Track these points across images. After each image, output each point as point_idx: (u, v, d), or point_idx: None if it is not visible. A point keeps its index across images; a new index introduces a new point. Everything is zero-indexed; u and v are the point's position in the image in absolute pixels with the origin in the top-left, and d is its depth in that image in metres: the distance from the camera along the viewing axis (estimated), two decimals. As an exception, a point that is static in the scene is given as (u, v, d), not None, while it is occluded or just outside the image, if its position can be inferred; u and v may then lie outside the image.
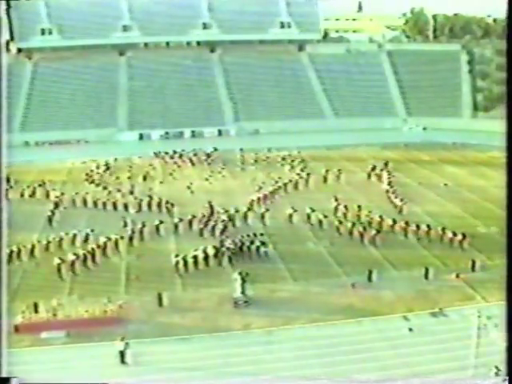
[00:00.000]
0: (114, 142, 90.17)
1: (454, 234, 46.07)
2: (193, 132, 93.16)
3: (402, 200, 55.78)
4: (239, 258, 44.22)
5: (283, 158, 74.04)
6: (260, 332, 34.65)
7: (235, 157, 74.85)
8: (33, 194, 62.15)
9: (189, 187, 63.38)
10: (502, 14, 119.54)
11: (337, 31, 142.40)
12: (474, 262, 41.38)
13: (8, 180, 66.47)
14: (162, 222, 51.06)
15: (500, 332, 30.84)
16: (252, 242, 45.61)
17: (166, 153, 76.99)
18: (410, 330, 34.17)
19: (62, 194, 60.64)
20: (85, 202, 58.10)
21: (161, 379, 30.26)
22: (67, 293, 39.79)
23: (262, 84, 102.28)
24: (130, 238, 48.59)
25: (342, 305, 37.33)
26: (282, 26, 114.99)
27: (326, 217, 52.12)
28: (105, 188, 62.84)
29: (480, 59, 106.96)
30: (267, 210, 54.08)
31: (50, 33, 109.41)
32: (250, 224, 51.79)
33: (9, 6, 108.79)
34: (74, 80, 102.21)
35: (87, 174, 68.40)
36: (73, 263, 43.56)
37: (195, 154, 76.46)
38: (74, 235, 47.93)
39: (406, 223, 48.75)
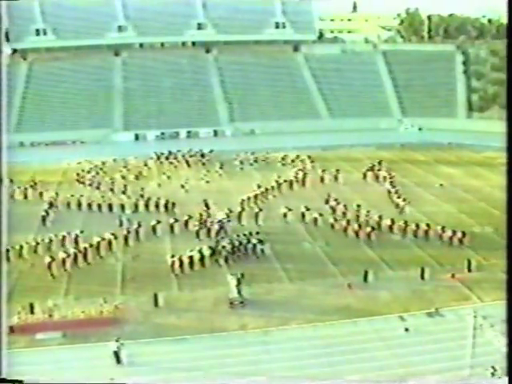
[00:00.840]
0: (110, 142, 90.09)
1: (454, 233, 46.30)
2: (188, 132, 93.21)
3: (404, 200, 55.97)
4: (235, 258, 44.28)
5: (280, 159, 74.06)
6: (256, 332, 34.65)
7: (231, 157, 74.73)
8: (27, 195, 62.14)
9: (183, 187, 63.62)
10: (496, 14, 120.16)
11: (332, 31, 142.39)
12: (469, 262, 41.46)
13: (0, 181, 66.52)
14: (159, 222, 51.11)
15: (496, 332, 31.00)
16: (248, 241, 45.72)
17: (162, 153, 76.93)
18: (407, 330, 34.21)
19: (57, 194, 60.71)
20: (79, 204, 57.87)
21: (157, 380, 30.26)
22: (63, 294, 39.78)
23: (258, 84, 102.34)
24: (126, 238, 48.63)
25: (338, 305, 37.36)
26: (277, 26, 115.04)
27: (321, 215, 52.33)
28: (98, 188, 63.08)
29: (475, 59, 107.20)
30: (260, 209, 54.10)
31: (45, 33, 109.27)
32: (244, 224, 51.77)
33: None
34: (69, 80, 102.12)
35: (78, 175, 68.53)
36: (64, 261, 43.76)
37: (191, 155, 76.42)
38: (63, 237, 47.77)
39: (405, 223, 48.89)
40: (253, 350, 32.70)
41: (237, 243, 45.41)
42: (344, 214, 52.51)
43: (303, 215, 53.28)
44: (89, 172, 69.49)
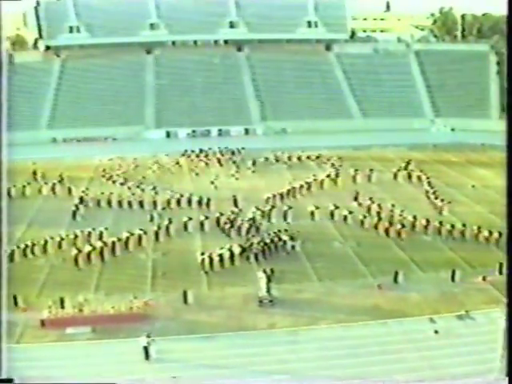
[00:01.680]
0: (142, 139, 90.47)
1: (490, 233, 46.02)
2: (220, 130, 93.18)
3: (442, 200, 55.67)
4: (265, 256, 44.30)
5: (312, 158, 73.92)
6: (285, 331, 34.64)
7: (262, 156, 74.68)
8: (55, 191, 62.83)
9: (213, 183, 64.00)
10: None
11: (364, 31, 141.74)
12: (501, 265, 41.02)
13: (35, 176, 67.60)
14: (190, 219, 51.32)
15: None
16: (279, 239, 45.77)
17: (193, 151, 77.13)
18: (436, 332, 33.96)
19: (87, 189, 61.45)
20: (110, 200, 58.12)
21: (185, 377, 30.33)
22: (93, 289, 40.10)
23: (289, 83, 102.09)
24: (156, 234, 48.93)
25: (367, 306, 37.20)
26: (310, 25, 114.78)
27: (351, 213, 52.35)
28: (128, 185, 63.44)
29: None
30: (290, 207, 54.08)
31: (78, 30, 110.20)
32: (273, 222, 51.78)
33: (37, 4, 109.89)
34: (101, 78, 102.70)
35: (104, 170, 69.34)
36: (89, 255, 44.39)
37: (222, 153, 76.53)
38: (89, 233, 48.18)
39: (440, 223, 48.67)
40: (281, 349, 32.67)
41: (268, 241, 45.45)
42: (378, 213, 52.24)
43: (332, 213, 53.23)
44: (119, 169, 70.00)
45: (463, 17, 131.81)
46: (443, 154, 78.08)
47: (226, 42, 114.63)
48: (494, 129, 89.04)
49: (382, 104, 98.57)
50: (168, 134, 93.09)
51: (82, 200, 57.86)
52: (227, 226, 49.76)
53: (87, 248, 45.23)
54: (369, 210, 53.52)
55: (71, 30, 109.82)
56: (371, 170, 66.42)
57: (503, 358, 27.17)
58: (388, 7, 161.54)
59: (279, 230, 47.77)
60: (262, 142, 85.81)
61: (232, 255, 43.33)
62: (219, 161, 73.89)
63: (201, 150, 77.41)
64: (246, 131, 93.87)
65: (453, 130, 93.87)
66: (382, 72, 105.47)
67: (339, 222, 52.49)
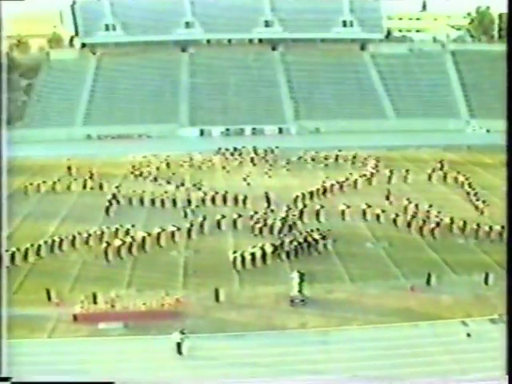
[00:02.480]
0: (175, 137, 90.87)
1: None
2: (253, 129, 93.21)
3: (484, 202, 55.28)
4: (297, 255, 44.29)
5: (346, 158, 73.67)
6: (316, 331, 34.57)
7: (295, 155, 74.57)
8: (86, 187, 63.64)
9: (245, 180, 64.34)
10: None
11: (400, 30, 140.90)
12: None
13: (70, 172, 68.52)
14: (223, 217, 51.48)
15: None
16: (312, 239, 45.70)
17: (227, 149, 77.31)
18: (469, 335, 33.67)
19: (120, 186, 62.17)
20: (142, 198, 58.48)
21: (216, 375, 30.42)
22: (126, 285, 40.40)
23: (324, 83, 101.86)
24: (189, 231, 49.14)
25: (399, 307, 36.96)
26: (345, 24, 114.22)
27: (383, 211, 52.27)
28: (159, 182, 64.31)
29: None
30: (322, 206, 53.96)
31: (114, 28, 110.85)
32: (305, 221, 51.69)
33: (74, 2, 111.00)
34: (136, 75, 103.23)
35: (133, 167, 69.98)
36: (119, 248, 45.15)
37: (255, 152, 76.56)
38: (116, 229, 48.55)
39: (478, 225, 48.36)
40: (311, 349, 32.59)
41: (300, 240, 45.40)
42: (415, 213, 51.97)
43: (364, 212, 53.15)
44: (152, 166, 70.43)
45: (500, 16, 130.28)
46: (478, 155, 77.29)
47: (260, 40, 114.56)
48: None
49: (417, 104, 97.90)
50: (202, 132, 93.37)
51: (114, 196, 58.37)
52: (260, 224, 49.74)
53: (117, 242, 45.83)
54: (405, 209, 53.20)
55: (107, 27, 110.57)
56: (407, 170, 66.02)
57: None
58: (424, 7, 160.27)
59: (311, 230, 47.70)
60: (296, 141, 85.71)
61: (264, 254, 43.36)
62: (252, 160, 73.90)
63: (235, 149, 77.50)
64: (280, 130, 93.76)
65: (488, 131, 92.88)
66: (417, 72, 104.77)
67: (371, 221, 52.40)
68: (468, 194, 59.08)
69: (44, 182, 63.29)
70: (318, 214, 52.98)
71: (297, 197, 57.09)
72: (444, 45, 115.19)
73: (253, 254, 43.01)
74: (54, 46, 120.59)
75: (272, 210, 53.09)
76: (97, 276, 42.07)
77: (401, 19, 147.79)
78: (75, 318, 35.87)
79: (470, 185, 61.50)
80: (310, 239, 45.62)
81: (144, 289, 39.06)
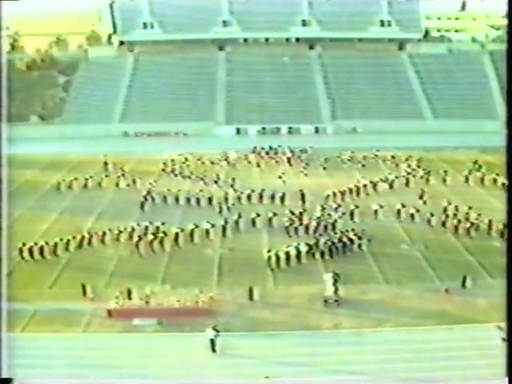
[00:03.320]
0: (212, 135, 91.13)
1: None
2: (290, 128, 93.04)
3: None
4: (332, 255, 44.20)
5: (383, 158, 73.27)
6: (349, 332, 34.48)
7: (332, 155, 74.35)
8: (118, 184, 64.20)
9: (281, 177, 64.51)
10: None
11: (438, 30, 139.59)
12: None
13: (106, 167, 69.24)
14: (258, 215, 51.55)
15: None
16: (347, 238, 45.58)
17: (262, 148, 77.34)
18: (504, 340, 33.22)
19: (155, 181, 62.78)
20: (177, 196, 58.49)
21: (248, 373, 30.50)
22: (160, 282, 40.63)
23: (361, 82, 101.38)
24: (224, 228, 49.35)
25: (433, 310, 36.73)
26: (383, 24, 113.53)
27: (418, 211, 52.03)
28: (203, 180, 64.28)
29: None
30: (357, 206, 53.77)
31: (152, 27, 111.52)
32: (340, 221, 51.48)
33: (113, 1, 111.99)
34: (173, 73, 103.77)
35: (164, 164, 70.63)
36: (151, 243, 45.74)
37: (291, 151, 76.43)
38: (146, 227, 48.75)
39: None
40: (345, 350, 32.54)
41: (335, 240, 45.30)
42: (455, 214, 51.53)
43: (399, 212, 53.10)
44: (188, 164, 70.83)
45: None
46: (516, 157, 76.26)
47: (297, 40, 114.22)
48: None
49: (455, 105, 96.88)
50: (238, 131, 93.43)
51: (149, 193, 58.85)
52: (295, 225, 49.66)
53: (149, 236, 46.45)
54: (445, 211, 52.75)
55: (145, 25, 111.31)
56: (445, 171, 65.50)
57: None
58: (463, 6, 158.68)
59: (346, 230, 47.58)
60: (332, 141, 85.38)
61: (299, 253, 43.31)
62: (288, 159, 73.75)
63: (270, 148, 77.42)
64: (316, 130, 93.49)
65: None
66: (456, 72, 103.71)
67: (406, 221, 52.16)
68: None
69: (76, 178, 63.90)
70: (352, 213, 52.77)
71: (328, 195, 57.09)
72: (483, 45, 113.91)
73: (287, 253, 43.01)
74: (93, 44, 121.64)
75: (305, 210, 52.82)
76: (132, 272, 42.44)
77: (439, 19, 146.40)
78: (110, 313, 36.22)
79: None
80: (345, 239, 45.47)
81: (178, 286, 39.32)
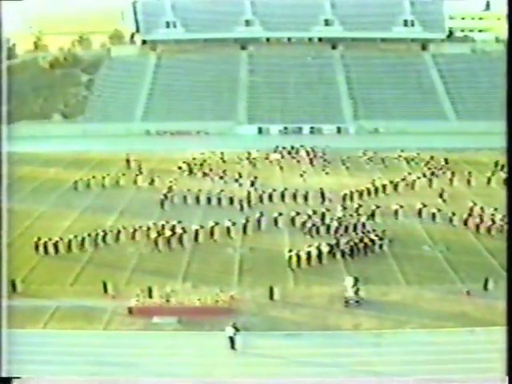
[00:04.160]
0: (233, 134, 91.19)
1: None
2: (312, 128, 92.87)
3: None
4: (353, 256, 44.11)
5: (406, 158, 72.90)
6: (369, 333, 34.36)
7: (354, 155, 74.20)
8: (137, 182, 64.52)
9: (303, 178, 64.51)
10: None
11: (462, 30, 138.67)
12: None
13: (128, 165, 69.65)
14: (280, 214, 51.53)
15: None
16: (369, 239, 45.44)
17: (284, 147, 77.26)
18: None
19: (175, 179, 63.06)
20: (198, 195, 58.44)
21: (268, 373, 30.50)
22: (181, 280, 40.72)
23: (383, 83, 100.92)
24: (244, 227, 49.45)
25: (454, 312, 36.51)
26: (406, 24, 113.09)
27: (439, 210, 51.80)
28: (223, 179, 64.71)
29: None
30: (378, 206, 53.56)
31: (175, 26, 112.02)
32: (361, 221, 51.26)
33: (135, 0, 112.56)
34: (195, 72, 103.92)
35: (184, 162, 70.26)
36: (169, 239, 46.04)
37: (313, 150, 76.27)
38: (163, 225, 48.78)
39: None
40: (365, 351, 32.45)
41: (356, 240, 45.17)
42: (480, 216, 51.18)
43: (420, 212, 52.96)
44: (209, 163, 70.95)
45: None
46: (540, 159, 75.67)
47: (320, 39, 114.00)
48: None
49: (478, 106, 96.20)
50: (260, 130, 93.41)
51: (170, 190, 59.08)
52: (316, 224, 49.56)
53: (167, 233, 46.81)
54: (471, 211, 52.39)
55: (168, 25, 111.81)
56: (470, 172, 65.15)
57: None
58: (488, 6, 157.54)
59: (368, 230, 47.45)
60: (354, 141, 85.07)
61: (320, 253, 43.24)
62: (311, 159, 73.56)
63: (292, 147, 77.33)
64: (338, 130, 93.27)
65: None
66: (479, 73, 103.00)
67: (427, 221, 51.94)
68: None
69: (93, 177, 64.16)
70: (373, 214, 52.59)
71: (345, 195, 57.17)
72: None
73: (308, 253, 42.94)
74: (115, 43, 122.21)
75: (328, 210, 52.65)
76: (153, 270, 42.58)
77: (463, 19, 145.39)
78: (130, 311, 36.37)
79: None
80: (366, 240, 45.32)
81: (199, 284, 39.42)
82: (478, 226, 49.19)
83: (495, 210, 51.92)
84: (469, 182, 63.77)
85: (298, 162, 72.96)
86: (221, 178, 64.82)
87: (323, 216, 50.96)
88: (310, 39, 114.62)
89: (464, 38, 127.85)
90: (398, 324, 35.24)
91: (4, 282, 32.37)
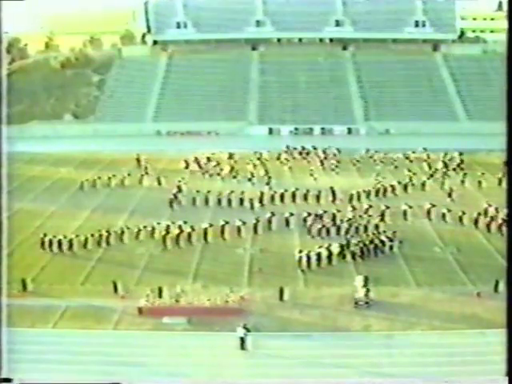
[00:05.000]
0: (244, 135, 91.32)
1: None
2: (322, 129, 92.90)
3: None
4: (363, 257, 44.01)
5: (417, 159, 72.84)
6: (379, 335, 34.26)
7: (364, 156, 74.10)
8: (142, 182, 64.76)
9: (312, 175, 65.00)
10: None
11: (473, 31, 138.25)
12: None
13: (139, 165, 69.84)
14: (291, 215, 51.46)
15: None
16: (379, 240, 45.34)
17: (295, 148, 77.19)
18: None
19: (183, 178, 63.32)
20: (207, 195, 58.26)
21: (278, 374, 30.44)
22: (191, 280, 40.72)
23: (394, 83, 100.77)
24: (255, 227, 49.41)
25: (465, 314, 36.30)
26: (417, 24, 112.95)
27: (449, 211, 51.85)
28: (234, 178, 65.22)
29: None
30: (387, 207, 53.31)
31: (186, 26, 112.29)
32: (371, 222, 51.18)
33: (147, 0, 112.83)
34: (206, 73, 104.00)
35: (205, 164, 70.52)
36: (178, 237, 46.43)
37: (324, 151, 76.16)
38: (168, 226, 48.64)
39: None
40: (374, 352, 32.30)
41: (367, 242, 45.07)
42: (495, 216, 50.81)
43: (429, 212, 52.90)
44: (220, 163, 71.00)
45: None
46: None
47: (331, 40, 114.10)
48: None
49: (489, 107, 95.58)
50: (270, 131, 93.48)
51: (179, 190, 59.15)
52: (327, 225, 49.47)
53: (175, 231, 46.91)
54: (485, 212, 52.12)
55: (179, 25, 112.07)
56: (483, 173, 65.02)
57: None
58: (500, 6, 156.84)
59: (378, 232, 47.34)
60: (365, 142, 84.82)
61: (330, 254, 43.16)
62: (321, 161, 73.41)
63: (303, 148, 77.27)
64: (349, 131, 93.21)
65: None
66: (491, 74, 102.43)
67: (437, 221, 51.80)
68: None
69: (99, 177, 64.28)
70: (383, 214, 52.42)
71: (351, 195, 57.21)
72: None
73: (319, 254, 42.86)
74: (127, 43, 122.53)
75: (339, 211, 52.51)
76: (163, 269, 42.62)
77: (475, 19, 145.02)
78: (140, 311, 36.37)
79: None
80: (376, 241, 45.22)
81: (209, 284, 39.41)
82: (488, 226, 48.99)
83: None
84: (480, 183, 63.53)
85: (309, 162, 72.86)
86: (234, 177, 64.96)
87: (334, 217, 50.83)
88: (321, 40, 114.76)
89: (475, 39, 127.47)
90: (408, 325, 35.09)
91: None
